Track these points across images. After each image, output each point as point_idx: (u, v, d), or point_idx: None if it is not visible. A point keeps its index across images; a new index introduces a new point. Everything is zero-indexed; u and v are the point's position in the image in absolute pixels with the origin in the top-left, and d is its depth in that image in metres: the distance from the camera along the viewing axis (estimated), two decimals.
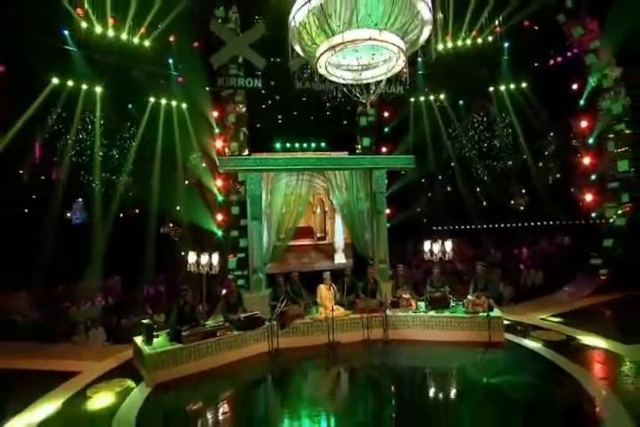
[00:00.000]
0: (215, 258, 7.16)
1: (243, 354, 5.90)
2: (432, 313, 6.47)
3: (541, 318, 7.43)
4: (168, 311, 6.98)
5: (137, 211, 11.31)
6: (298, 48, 5.25)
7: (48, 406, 4.60)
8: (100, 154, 9.61)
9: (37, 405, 4.63)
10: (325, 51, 4.68)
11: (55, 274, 8.86)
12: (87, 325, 8.04)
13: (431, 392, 5.03)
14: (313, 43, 4.86)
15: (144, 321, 5.86)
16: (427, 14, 4.60)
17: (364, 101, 5.38)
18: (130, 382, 5.20)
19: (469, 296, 6.47)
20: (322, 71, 5.24)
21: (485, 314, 6.11)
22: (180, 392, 5.02)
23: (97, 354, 6.64)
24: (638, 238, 9.51)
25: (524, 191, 12.46)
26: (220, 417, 4.53)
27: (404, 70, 5.04)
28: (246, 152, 11.45)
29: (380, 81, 5.42)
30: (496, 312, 6.29)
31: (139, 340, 5.71)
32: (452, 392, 4.90)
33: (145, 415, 4.38)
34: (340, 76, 5.33)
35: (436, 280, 7.02)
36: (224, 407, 4.76)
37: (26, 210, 10.01)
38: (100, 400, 4.76)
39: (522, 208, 12.53)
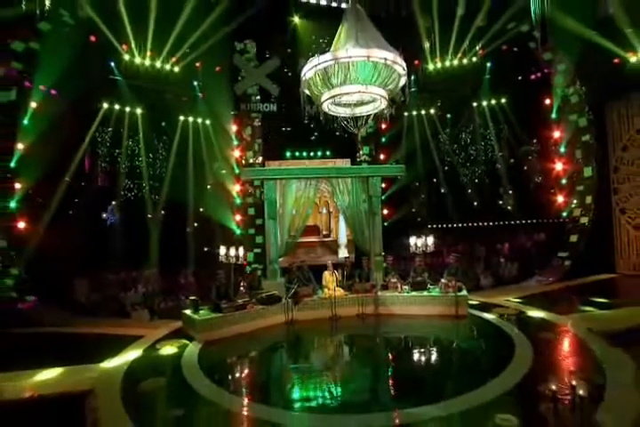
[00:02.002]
0: (241, 251, 9.19)
1: (265, 323, 7.92)
2: (413, 293, 8.44)
3: (506, 300, 9.35)
4: (206, 292, 9.07)
5: (162, 212, 13.33)
6: (307, 92, 7.22)
7: (133, 353, 6.64)
8: (140, 164, 11.69)
9: (124, 352, 6.67)
10: (327, 98, 6.67)
11: (105, 265, 10.97)
12: (134, 307, 10.24)
13: (410, 349, 7.03)
14: (319, 91, 6.83)
15: (192, 298, 7.93)
16: (402, 72, 6.54)
17: (355, 132, 7.33)
18: (185, 341, 7.23)
19: (442, 280, 8.42)
20: (325, 109, 7.22)
21: (453, 294, 8.07)
22: (222, 347, 7.04)
23: (150, 326, 8.74)
24: (597, 235, 11.40)
25: (510, 192, 14.32)
26: (249, 365, 6.57)
27: (385, 110, 7.00)
28: (260, 159, 13.51)
29: (369, 116, 7.38)
30: (463, 292, 8.24)
31: (188, 311, 7.77)
32: (426, 349, 6.83)
33: (201, 359, 6.38)
34: (336, 111, 7.32)
35: (418, 268, 8.99)
36: (252, 359, 6.79)
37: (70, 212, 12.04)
38: (168, 350, 6.81)
39: (509, 208, 14.40)
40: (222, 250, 9.23)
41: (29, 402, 5.02)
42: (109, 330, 8.23)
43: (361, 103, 7.48)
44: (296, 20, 11.40)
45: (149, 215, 12.29)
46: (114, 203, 12.91)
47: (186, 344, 7.10)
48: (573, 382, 4.17)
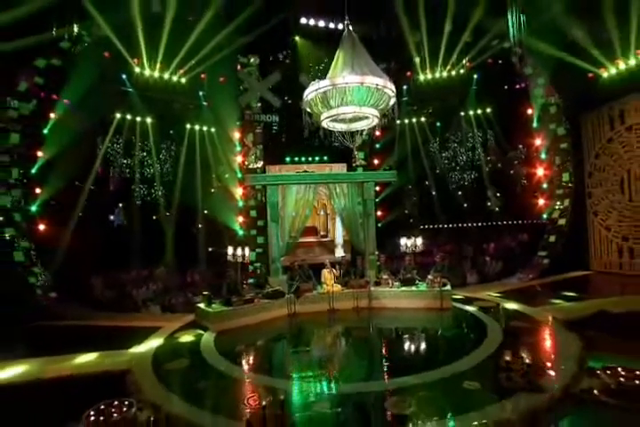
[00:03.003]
0: (247, 251, 10.24)
1: (270, 315, 8.98)
2: (403, 288, 9.55)
3: (487, 294, 10.49)
4: (211, 289, 10.12)
5: (167, 214, 14.32)
6: (309, 110, 8.28)
7: (155, 341, 7.68)
8: (151, 170, 12.71)
9: (148, 340, 7.70)
10: (326, 117, 7.74)
11: (119, 264, 11.96)
12: (146, 302, 11.29)
13: (398, 335, 8.13)
14: (318, 110, 7.88)
15: (205, 293, 8.99)
16: (391, 94, 7.61)
17: (350, 146, 8.41)
18: (200, 331, 8.26)
19: (429, 276, 9.52)
20: (324, 125, 8.29)
21: (439, 289, 9.18)
22: (233, 336, 8.07)
23: (164, 319, 9.79)
24: (574, 235, 12.59)
25: (498, 195, 15.46)
26: (257, 349, 7.64)
27: (376, 124, 8.10)
28: (261, 164, 14.55)
29: (363, 130, 8.46)
30: (447, 288, 9.35)
31: (202, 305, 8.81)
32: (412, 335, 7.93)
33: (217, 345, 7.42)
34: (334, 127, 8.39)
35: (408, 266, 10.10)
36: (259, 344, 7.86)
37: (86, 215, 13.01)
38: (186, 338, 7.86)
39: (497, 209, 15.55)
40: (230, 250, 10.29)
41: (79, 378, 6.05)
42: (128, 323, 9.30)
43: (356, 119, 8.56)
44: (297, 38, 12.48)
45: (156, 217, 13.30)
46: (120, 205, 13.90)
47: (201, 334, 8.14)
48: (524, 356, 5.28)
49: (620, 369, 4.60)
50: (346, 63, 7.43)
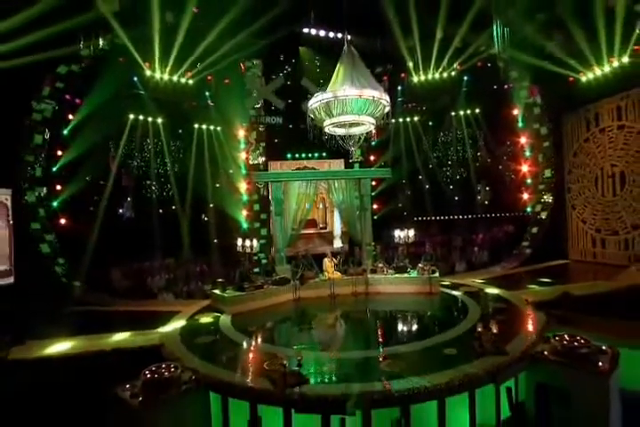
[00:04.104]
0: (255, 242, 11.41)
1: (278, 300, 10.19)
2: (396, 275, 10.79)
3: (472, 281, 11.77)
4: (225, 277, 11.30)
5: (175, 207, 15.36)
6: (312, 116, 9.37)
7: (179, 322, 8.85)
8: (164, 166, 13.79)
9: (172, 322, 8.85)
10: (328, 124, 8.85)
11: (133, 256, 13.07)
12: (160, 290, 12.50)
13: (391, 315, 9.41)
14: (321, 117, 8.97)
15: (219, 280, 10.18)
16: (386, 104, 8.71)
17: (349, 149, 9.54)
18: (216, 314, 9.46)
19: (420, 264, 10.77)
20: (326, 130, 9.40)
21: (428, 276, 10.43)
22: (246, 317, 9.24)
23: (181, 304, 10.97)
24: (554, 227, 13.89)
25: (487, 189, 16.67)
26: (268, 327, 8.90)
27: (373, 131, 9.23)
28: (262, 159, 15.62)
29: (361, 136, 9.58)
30: (435, 275, 10.59)
31: (217, 291, 10.00)
32: (403, 315, 9.22)
33: (234, 324, 8.63)
34: (335, 131, 9.51)
35: (401, 256, 11.34)
36: (269, 323, 9.11)
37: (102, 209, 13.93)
38: (206, 320, 9.04)
39: (486, 203, 16.78)
40: (239, 241, 11.45)
41: (120, 352, 7.23)
42: (149, 308, 10.50)
43: (355, 124, 9.67)
44: (300, 46, 13.48)
45: (169, 211, 14.39)
46: (128, 200, 14.89)
47: (218, 316, 9.32)
48: (494, 329, 6.55)
49: (566, 336, 5.85)
50: (346, 77, 8.50)
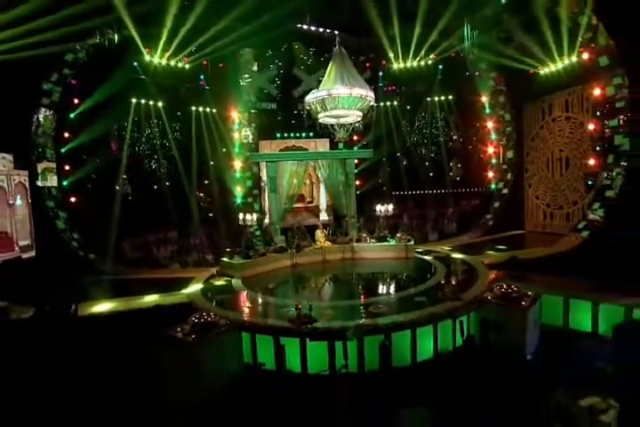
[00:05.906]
0: (255, 216, 13.16)
1: (278, 266, 12.10)
2: (378, 244, 12.90)
3: (442, 248, 14.03)
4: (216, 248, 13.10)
5: (167, 184, 16.71)
6: (308, 108, 10.97)
7: (197, 286, 10.65)
8: (166, 146, 15.12)
9: (190, 286, 10.62)
10: (322, 116, 10.51)
11: (140, 229, 14.58)
12: (166, 260, 14.22)
13: (373, 275, 11.58)
14: (317, 110, 10.59)
15: (228, 249, 11.98)
16: (371, 100, 10.40)
17: (340, 139, 11.25)
18: (228, 278, 11.31)
19: (398, 234, 12.89)
20: (320, 121, 11.06)
21: (404, 244, 12.58)
22: (254, 280, 11.08)
23: (191, 271, 12.75)
24: (513, 202, 16.26)
25: (459, 166, 18.79)
26: (272, 287, 10.86)
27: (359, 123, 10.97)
28: (253, 139, 17.07)
29: (350, 124, 11.30)
30: (410, 242, 12.74)
31: (225, 259, 11.81)
32: (383, 275, 11.40)
33: (244, 285, 10.54)
34: (327, 121, 11.19)
35: (381, 226, 13.43)
36: (271, 286, 11.07)
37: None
38: (220, 283, 10.91)
39: (458, 179, 18.93)
40: (240, 215, 13.17)
41: (160, 308, 9.01)
42: (164, 275, 12.25)
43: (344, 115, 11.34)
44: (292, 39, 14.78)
45: (171, 186, 15.79)
46: (124, 177, 16.04)
47: (229, 280, 11.17)
48: (454, 282, 8.75)
49: (504, 285, 8.08)
50: (337, 76, 10.10)
